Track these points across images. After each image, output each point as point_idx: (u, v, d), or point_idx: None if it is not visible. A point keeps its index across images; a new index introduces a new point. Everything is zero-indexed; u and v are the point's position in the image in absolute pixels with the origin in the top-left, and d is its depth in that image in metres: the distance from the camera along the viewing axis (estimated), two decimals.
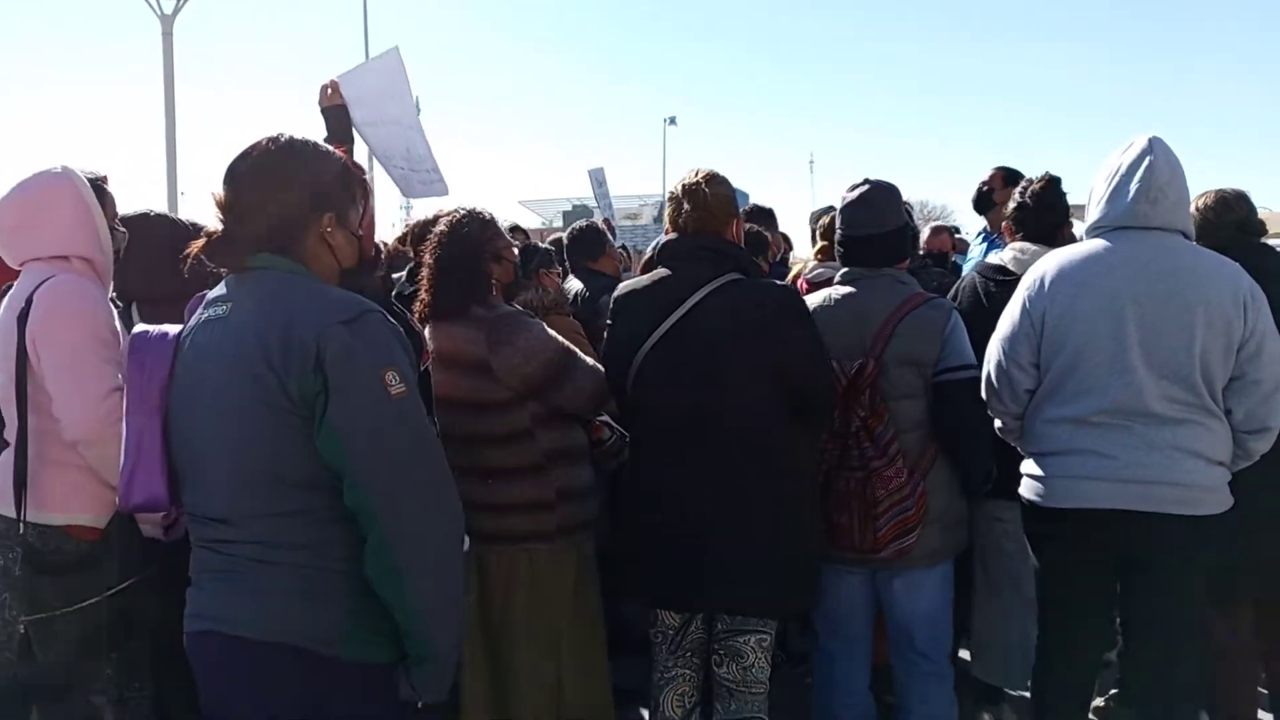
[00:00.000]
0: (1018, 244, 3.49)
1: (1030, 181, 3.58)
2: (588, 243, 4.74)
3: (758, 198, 6.66)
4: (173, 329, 2.05)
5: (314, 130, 2.77)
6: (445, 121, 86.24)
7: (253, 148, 2.00)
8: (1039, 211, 3.49)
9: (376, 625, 1.88)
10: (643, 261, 3.39)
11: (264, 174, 1.97)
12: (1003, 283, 3.29)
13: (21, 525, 2.61)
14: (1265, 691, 3.41)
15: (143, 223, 3.06)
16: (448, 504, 1.91)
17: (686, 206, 2.76)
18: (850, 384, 2.82)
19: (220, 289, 2.00)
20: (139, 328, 2.11)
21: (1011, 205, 3.63)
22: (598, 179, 10.56)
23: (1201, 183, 3.19)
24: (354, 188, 2.08)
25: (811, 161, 73.76)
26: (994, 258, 3.62)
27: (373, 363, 1.85)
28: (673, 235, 2.81)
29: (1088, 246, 2.84)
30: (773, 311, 2.68)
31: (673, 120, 49.94)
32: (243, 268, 1.96)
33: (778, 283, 2.90)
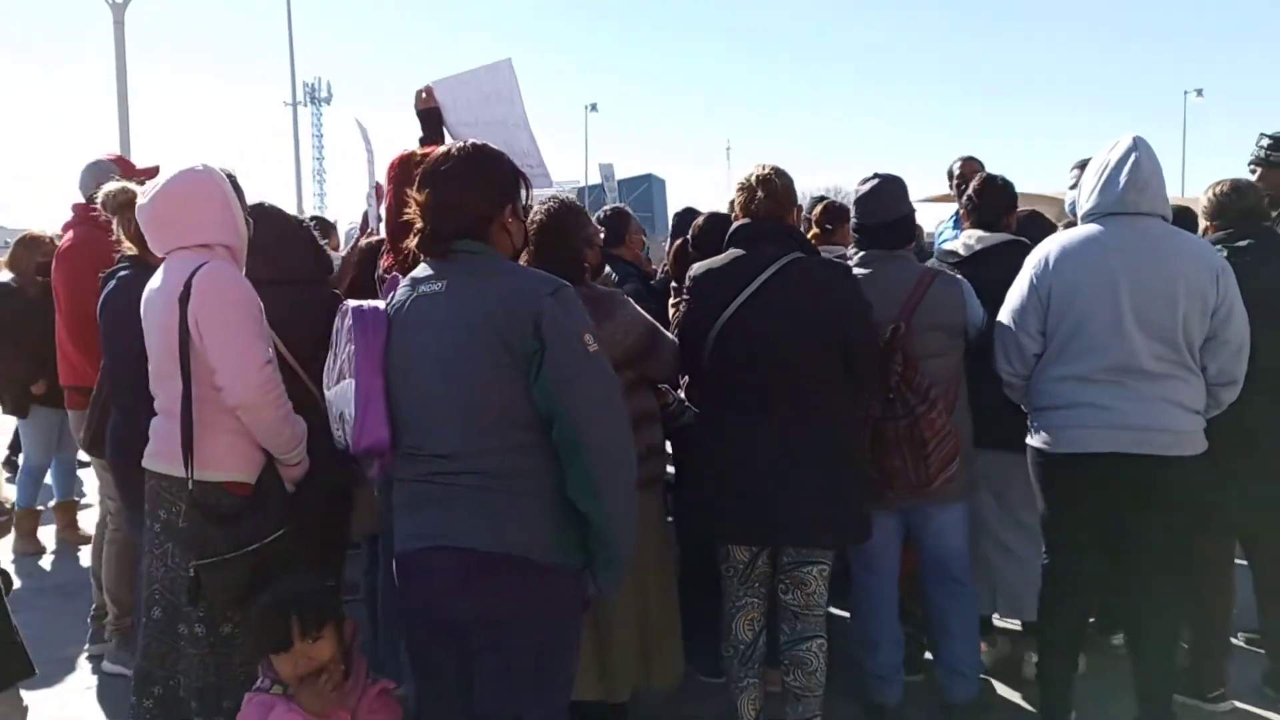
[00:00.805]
0: (970, 231, 4.02)
1: (976, 178, 4.15)
2: (613, 229, 5.14)
3: (677, 182, 7.16)
4: (379, 304, 2.47)
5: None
6: (353, 102, 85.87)
7: (445, 156, 2.45)
8: (982, 204, 4.04)
9: (572, 537, 2.35)
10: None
11: (461, 177, 2.41)
12: (955, 264, 3.82)
13: (190, 483, 2.98)
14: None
15: (259, 212, 3.44)
16: (630, 438, 2.38)
17: (760, 194, 3.23)
18: (885, 346, 3.30)
19: (425, 270, 2.43)
20: (353, 303, 2.52)
21: (963, 199, 4.19)
22: (606, 174, 11.18)
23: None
24: (521, 183, 2.52)
25: (729, 149, 74.68)
26: (949, 245, 4.14)
27: (574, 327, 2.31)
28: (745, 220, 3.27)
29: (1085, 230, 3.36)
30: (833, 283, 3.17)
31: (594, 107, 50.43)
32: (448, 253, 2.39)
33: (834, 259, 3.38)
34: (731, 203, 3.57)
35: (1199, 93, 51.49)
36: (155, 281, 3.15)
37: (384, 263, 3.09)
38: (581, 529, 2.35)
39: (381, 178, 4.28)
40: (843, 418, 3.22)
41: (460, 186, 2.41)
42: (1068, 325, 3.30)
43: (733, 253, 3.26)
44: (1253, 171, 4.29)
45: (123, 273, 3.79)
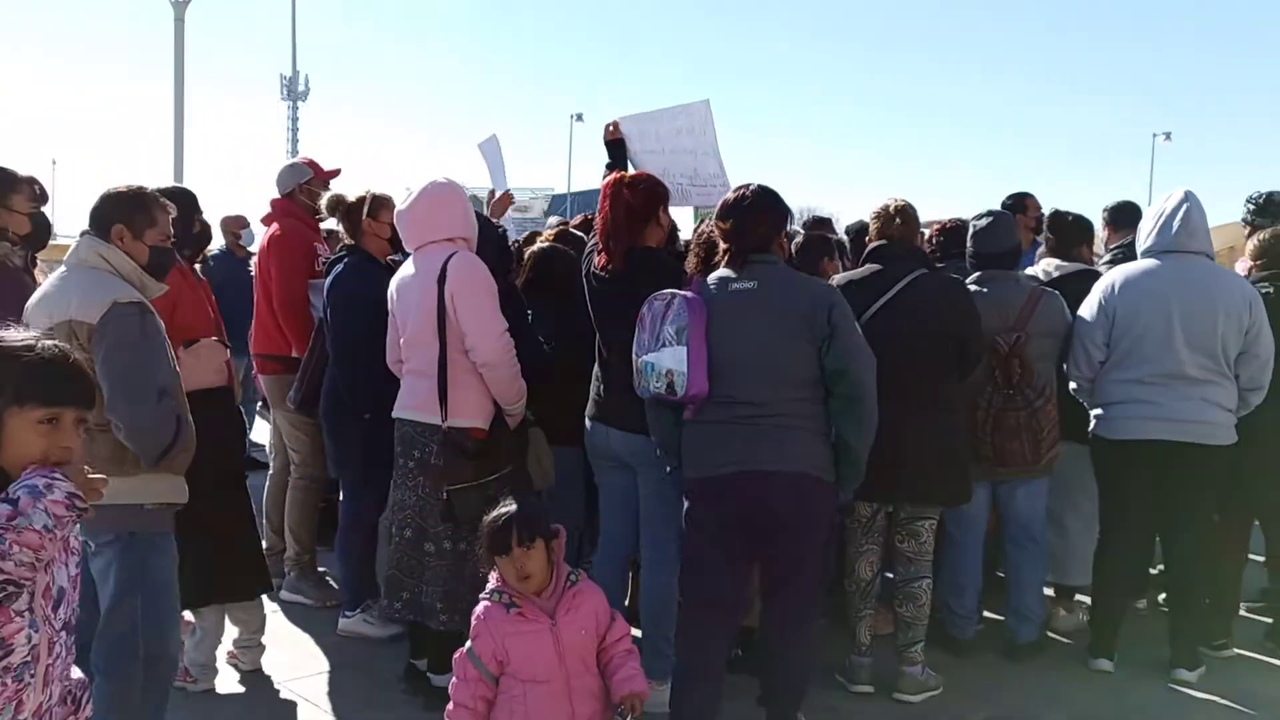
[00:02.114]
0: (1049, 259, 4.90)
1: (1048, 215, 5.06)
2: None
3: None
4: (688, 294, 3.34)
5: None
6: (338, 110, 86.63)
7: (744, 193, 3.44)
8: (1057, 238, 4.93)
9: (832, 462, 3.32)
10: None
11: (756, 208, 3.41)
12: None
13: (445, 427, 3.75)
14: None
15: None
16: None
17: (898, 221, 4.06)
18: (1010, 351, 4.15)
19: (728, 272, 3.39)
20: (676, 293, 3.37)
21: (1044, 235, 5.06)
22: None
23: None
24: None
25: None
26: (1031, 270, 4.98)
27: (849, 314, 3.32)
28: (882, 241, 4.09)
29: (1144, 264, 4.24)
30: (950, 294, 4.00)
31: (579, 116, 51.03)
32: (746, 263, 3.35)
33: (953, 276, 4.21)
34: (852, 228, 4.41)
35: (1167, 136, 53.25)
36: (410, 269, 3.93)
37: (599, 261, 3.85)
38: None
39: (499, 188, 5.11)
40: (954, 403, 4.04)
41: (758, 214, 3.40)
42: (1129, 339, 4.17)
43: (871, 267, 4.07)
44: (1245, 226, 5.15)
45: (347, 259, 4.56)
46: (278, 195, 5.15)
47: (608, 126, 4.40)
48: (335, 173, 5.28)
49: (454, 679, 2.91)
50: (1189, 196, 4.24)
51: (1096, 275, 4.62)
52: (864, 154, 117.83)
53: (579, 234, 4.93)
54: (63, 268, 3.06)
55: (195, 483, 3.23)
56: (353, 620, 4.64)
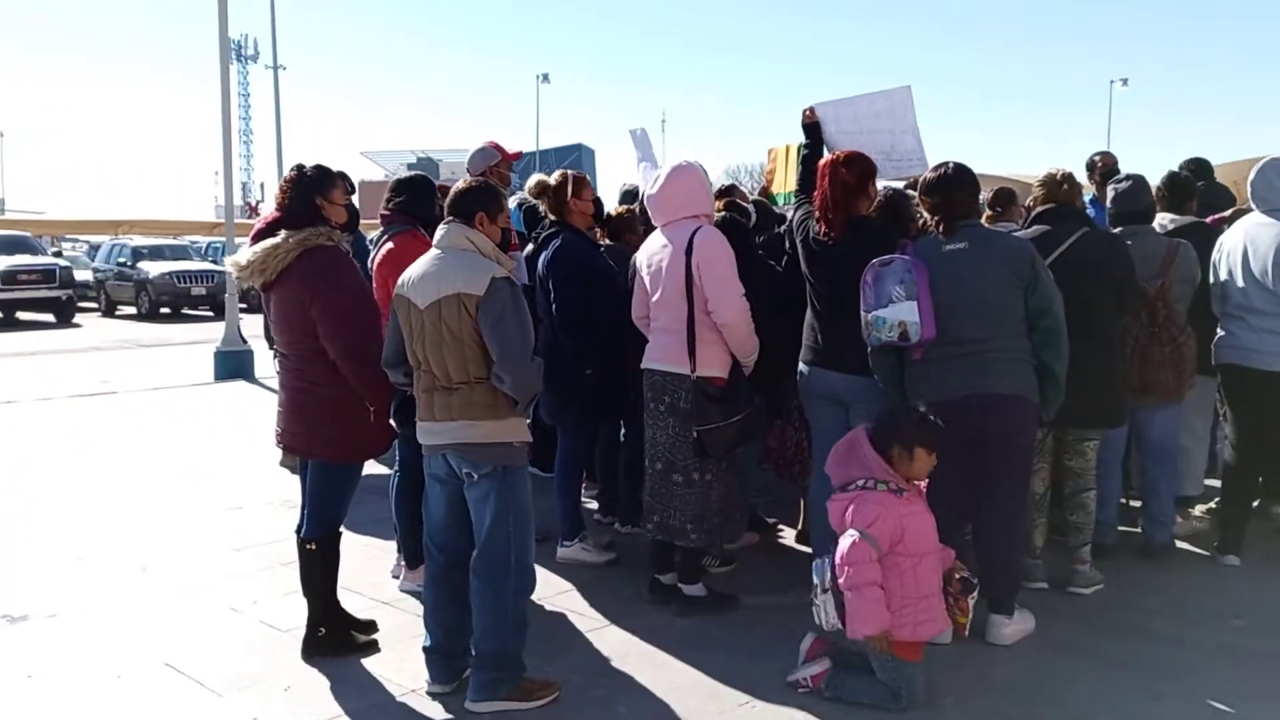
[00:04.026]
0: (1163, 214, 5.56)
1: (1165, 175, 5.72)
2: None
3: (612, 156, 8.41)
4: (907, 257, 3.94)
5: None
6: (296, 75, 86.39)
7: (945, 170, 4.15)
8: (1170, 195, 5.58)
9: (1038, 385, 3.98)
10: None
11: (958, 183, 4.09)
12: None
13: (693, 376, 4.38)
14: None
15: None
16: None
17: (1065, 187, 4.71)
18: (1156, 294, 4.83)
19: (938, 236, 4.07)
20: (908, 258, 4.00)
21: (1155, 188, 5.72)
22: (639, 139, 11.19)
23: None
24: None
25: (664, 122, 74.92)
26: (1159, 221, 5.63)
27: (1043, 263, 4.00)
28: (1050, 205, 4.73)
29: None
30: (1113, 247, 4.66)
31: (545, 77, 51.31)
32: (954, 227, 4.00)
33: (1112, 230, 4.88)
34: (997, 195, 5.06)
35: (1124, 82, 54.10)
36: (659, 240, 4.54)
37: (820, 229, 4.47)
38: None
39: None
40: (1113, 341, 4.72)
41: (966, 188, 4.10)
42: (1223, 280, 4.93)
43: (1041, 227, 4.72)
44: None
45: (563, 234, 5.16)
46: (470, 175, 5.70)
47: (805, 111, 5.03)
48: (518, 155, 5.85)
49: (851, 565, 3.54)
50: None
51: (1206, 227, 5.32)
52: (772, 109, 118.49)
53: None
54: (438, 250, 3.65)
55: None
56: (571, 549, 5.30)
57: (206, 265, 24.16)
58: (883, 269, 4.06)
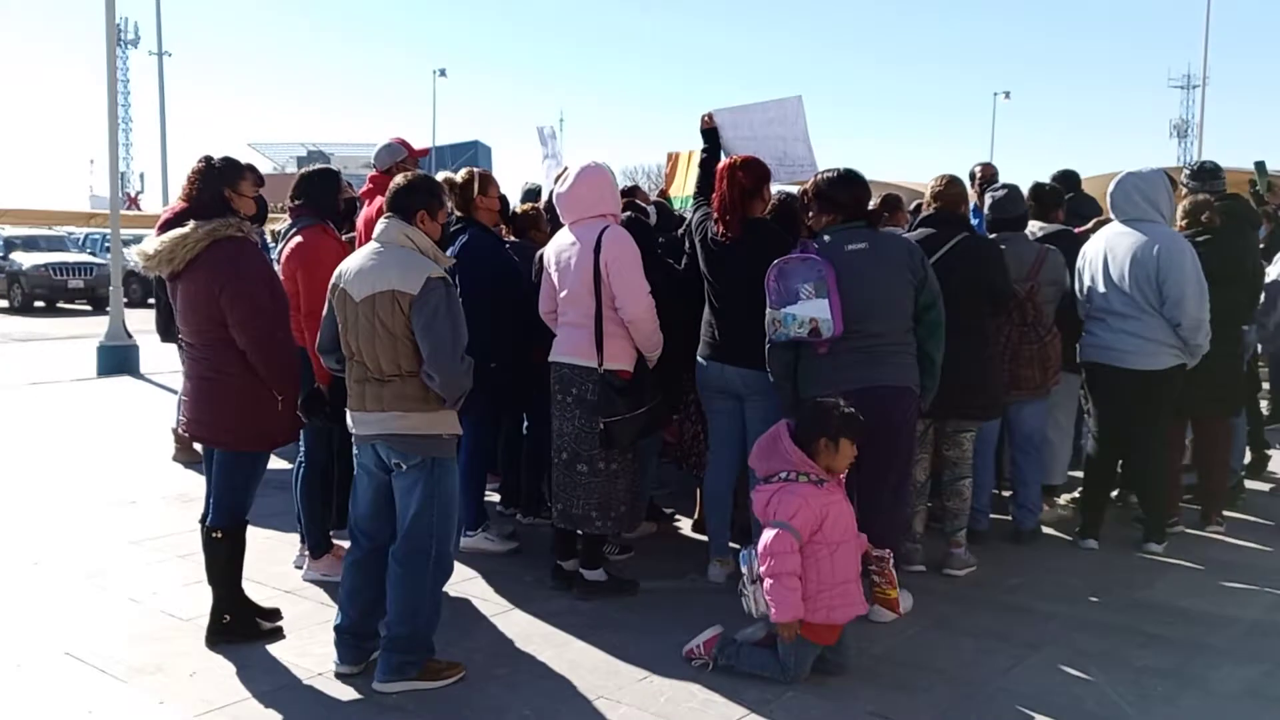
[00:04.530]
0: (1034, 222, 5.96)
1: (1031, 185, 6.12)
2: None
3: (509, 153, 8.66)
4: (815, 256, 4.18)
5: None
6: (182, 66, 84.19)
7: (835, 174, 4.33)
8: (1039, 203, 5.99)
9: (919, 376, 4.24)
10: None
11: (852, 184, 4.28)
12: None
13: (601, 369, 4.55)
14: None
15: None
16: None
17: (952, 191, 5.04)
18: (1026, 296, 5.20)
19: (841, 238, 4.28)
20: (812, 257, 4.20)
21: (1028, 203, 6.13)
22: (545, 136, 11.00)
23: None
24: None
25: (561, 121, 74.86)
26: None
27: (926, 263, 4.20)
28: (936, 208, 5.05)
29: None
30: (989, 251, 5.00)
31: (443, 72, 51.12)
32: (851, 229, 4.27)
33: (989, 236, 5.23)
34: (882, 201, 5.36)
35: (1007, 94, 56.53)
36: (567, 237, 4.69)
37: (717, 229, 4.69)
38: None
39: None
40: (989, 339, 5.07)
41: (856, 189, 4.33)
42: (1087, 286, 5.30)
43: (924, 230, 5.03)
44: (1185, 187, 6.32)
45: (470, 230, 5.28)
46: (376, 171, 5.77)
47: (703, 117, 5.26)
48: (425, 151, 5.94)
49: (773, 556, 3.72)
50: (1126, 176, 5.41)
51: (1073, 235, 5.74)
52: (665, 112, 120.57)
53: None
54: (377, 245, 3.74)
55: None
56: (475, 539, 5.41)
57: (84, 257, 23.33)
58: (786, 267, 4.27)
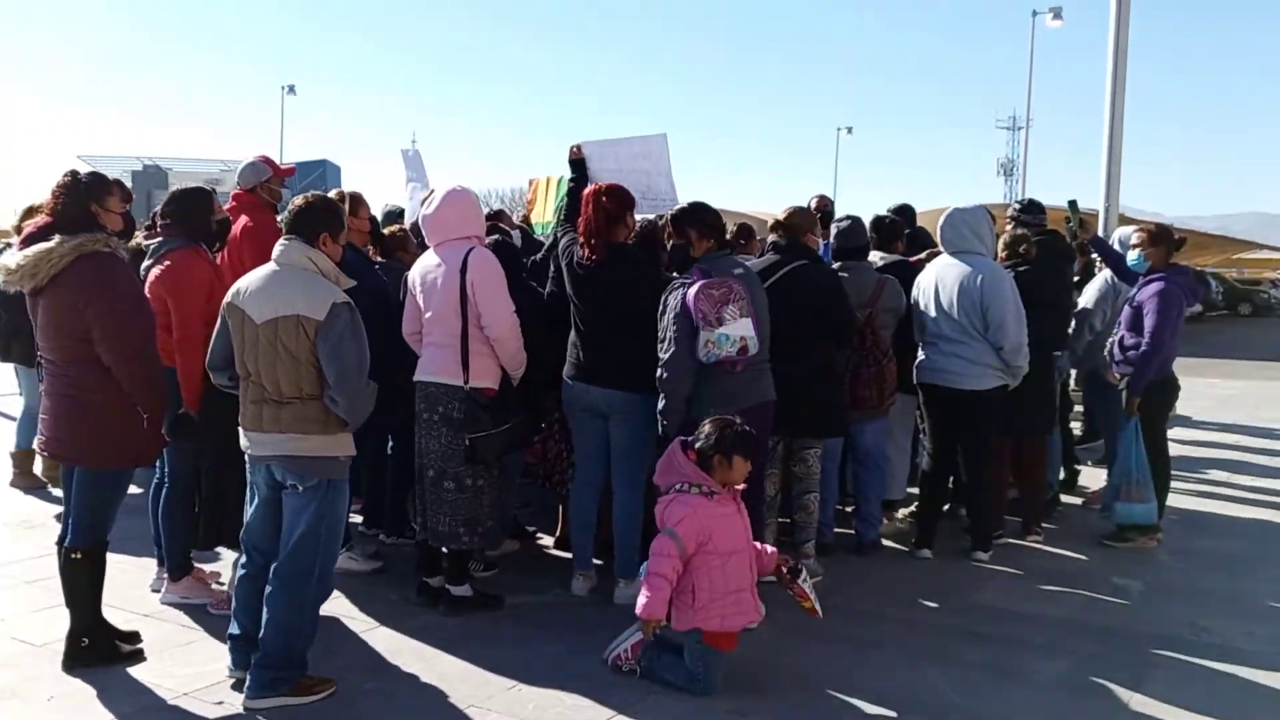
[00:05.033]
0: (875, 252, 6.42)
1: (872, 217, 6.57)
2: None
3: (361, 174, 8.82)
4: (735, 281, 4.48)
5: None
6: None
7: (699, 207, 4.60)
8: (880, 235, 6.46)
9: None
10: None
11: (704, 214, 4.53)
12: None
13: (466, 387, 4.67)
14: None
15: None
16: None
17: (795, 221, 5.37)
18: (865, 322, 5.58)
19: (726, 263, 4.62)
20: (731, 280, 4.49)
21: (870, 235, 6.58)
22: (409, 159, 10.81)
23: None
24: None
25: (414, 142, 74.08)
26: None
27: None
28: (780, 237, 5.38)
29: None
30: (826, 280, 5.36)
31: (291, 89, 50.07)
32: (726, 255, 4.59)
33: (831, 266, 5.59)
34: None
35: (849, 130, 59.07)
36: (433, 259, 4.81)
37: (583, 253, 4.90)
38: None
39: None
40: (832, 361, 5.43)
41: (710, 221, 4.65)
42: (918, 313, 5.75)
43: (770, 257, 5.36)
44: (1010, 221, 6.90)
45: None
46: (239, 190, 5.73)
47: (572, 148, 5.48)
48: (290, 170, 5.94)
49: (653, 556, 3.92)
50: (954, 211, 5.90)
51: (909, 265, 6.20)
52: (540, 139, 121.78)
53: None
54: (276, 266, 3.77)
55: (231, 438, 4.00)
56: (339, 558, 5.42)
57: None
58: (708, 290, 4.45)
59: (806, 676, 4.22)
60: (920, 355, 5.92)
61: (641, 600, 3.97)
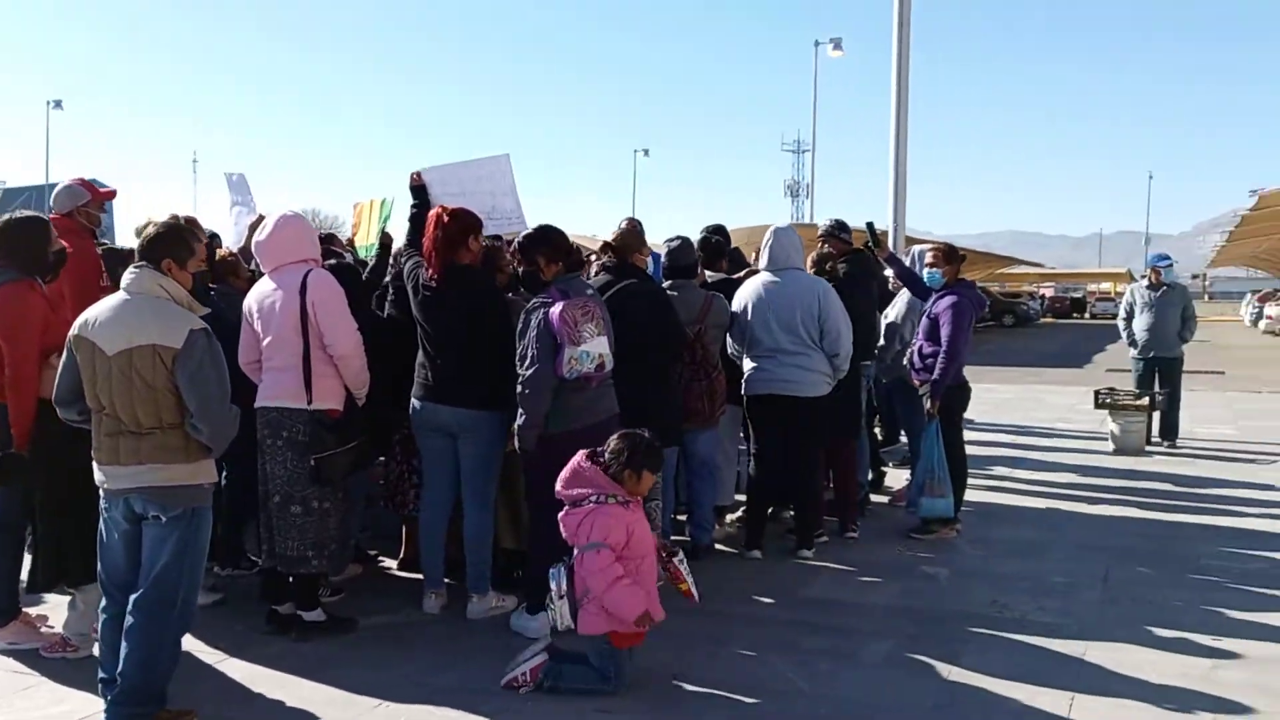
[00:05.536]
0: (704, 270, 6.80)
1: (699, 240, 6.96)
2: None
3: (141, 191, 8.65)
4: (592, 301, 4.66)
5: None
6: None
7: (548, 231, 4.76)
8: (706, 255, 6.85)
9: None
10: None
11: (550, 238, 4.75)
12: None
13: (310, 408, 4.66)
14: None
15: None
16: None
17: (625, 242, 5.63)
18: (695, 338, 5.90)
19: (579, 284, 4.80)
20: (588, 298, 4.66)
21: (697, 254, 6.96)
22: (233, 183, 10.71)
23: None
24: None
25: (195, 162, 70.71)
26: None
27: None
28: (609, 258, 5.63)
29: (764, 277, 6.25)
30: (656, 298, 5.65)
31: (58, 104, 47.17)
32: (576, 276, 4.77)
33: (663, 284, 5.87)
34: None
35: (646, 152, 60.83)
36: (269, 285, 4.79)
37: (428, 274, 4.99)
38: None
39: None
40: (667, 375, 5.73)
41: (559, 245, 4.81)
42: (750, 328, 6.15)
43: (603, 277, 5.60)
44: (820, 240, 7.44)
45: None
46: (55, 214, 5.49)
47: (412, 175, 5.55)
48: (111, 194, 5.74)
49: (600, 572, 4.03)
50: (778, 229, 6.34)
51: (734, 282, 6.60)
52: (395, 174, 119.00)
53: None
54: (126, 295, 3.67)
55: (64, 476, 3.89)
56: None
57: None
58: (570, 309, 4.58)
59: (662, 673, 4.45)
60: (752, 367, 6.22)
61: (623, 607, 4.05)
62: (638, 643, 4.28)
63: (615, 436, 4.33)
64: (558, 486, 4.30)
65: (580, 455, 4.31)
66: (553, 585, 4.23)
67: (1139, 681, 4.38)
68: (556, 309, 4.61)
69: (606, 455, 4.26)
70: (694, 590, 4.47)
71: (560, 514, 4.27)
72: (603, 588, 4.08)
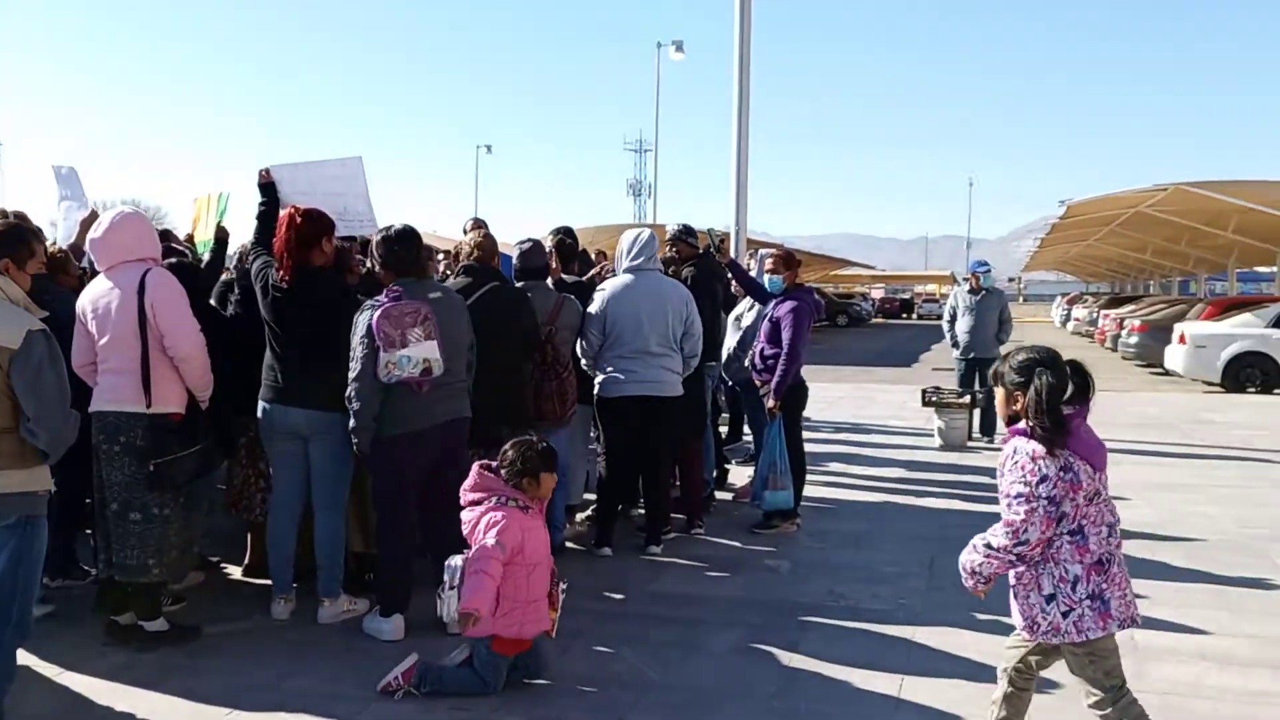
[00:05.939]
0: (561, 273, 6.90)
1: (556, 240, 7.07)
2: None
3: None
4: (422, 304, 4.60)
5: None
6: None
7: (403, 230, 4.72)
8: (562, 256, 6.96)
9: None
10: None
11: (413, 242, 4.73)
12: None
13: (149, 413, 4.52)
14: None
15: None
16: None
17: (487, 245, 5.67)
18: (546, 339, 5.99)
19: (422, 287, 4.73)
20: (419, 303, 4.59)
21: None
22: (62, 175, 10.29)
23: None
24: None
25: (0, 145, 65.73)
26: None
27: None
28: (472, 262, 5.67)
29: (625, 278, 6.40)
30: (514, 300, 5.73)
31: None
32: (422, 279, 4.69)
33: (518, 285, 5.94)
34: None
35: (489, 148, 60.71)
36: (105, 284, 4.62)
37: (278, 275, 4.91)
38: None
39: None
40: (521, 375, 5.81)
41: (415, 247, 4.82)
42: (616, 328, 6.29)
43: (463, 279, 5.64)
44: (668, 243, 7.67)
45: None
46: None
47: (261, 172, 5.43)
48: None
49: (480, 558, 4.02)
50: (646, 231, 6.51)
51: (586, 284, 6.73)
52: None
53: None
54: None
55: None
56: None
57: None
58: (393, 312, 4.56)
59: (517, 669, 4.52)
60: (613, 370, 6.29)
61: (467, 594, 4.03)
62: (522, 650, 4.30)
63: (508, 446, 4.37)
64: (462, 494, 4.33)
65: (476, 465, 4.38)
66: (445, 577, 4.24)
67: (963, 660, 4.73)
68: (378, 312, 4.62)
69: (504, 469, 4.32)
70: (555, 627, 4.44)
71: (462, 511, 4.33)
72: (474, 567, 4.11)
